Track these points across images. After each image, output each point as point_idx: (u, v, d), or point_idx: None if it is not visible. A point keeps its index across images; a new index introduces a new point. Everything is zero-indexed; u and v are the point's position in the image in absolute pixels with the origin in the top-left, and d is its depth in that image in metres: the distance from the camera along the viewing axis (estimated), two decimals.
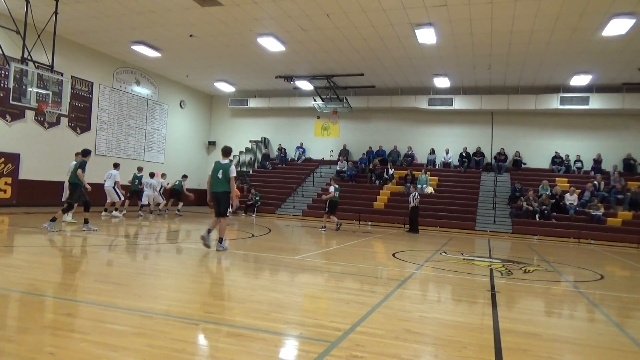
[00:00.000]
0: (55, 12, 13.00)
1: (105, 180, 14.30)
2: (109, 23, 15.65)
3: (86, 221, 10.09)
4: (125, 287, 5.09)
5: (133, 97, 21.18)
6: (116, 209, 14.52)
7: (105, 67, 19.55)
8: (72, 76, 17.53)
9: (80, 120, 18.52)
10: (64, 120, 17.65)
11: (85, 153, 10.56)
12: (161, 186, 17.75)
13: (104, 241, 9.11)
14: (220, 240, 8.27)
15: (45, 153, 16.78)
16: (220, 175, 8.43)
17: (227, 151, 8.85)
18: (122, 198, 14.62)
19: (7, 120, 15.71)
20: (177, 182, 18.35)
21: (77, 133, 18.37)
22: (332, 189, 14.52)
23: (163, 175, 18.72)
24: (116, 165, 14.67)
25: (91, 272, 6.11)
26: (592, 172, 19.84)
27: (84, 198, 10.03)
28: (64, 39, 16.71)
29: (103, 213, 14.33)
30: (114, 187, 14.12)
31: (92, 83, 18.98)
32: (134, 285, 5.25)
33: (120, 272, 6.07)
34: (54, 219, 9.55)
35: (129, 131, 21.06)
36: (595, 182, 18.77)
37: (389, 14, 13.50)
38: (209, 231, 8.24)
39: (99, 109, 19.36)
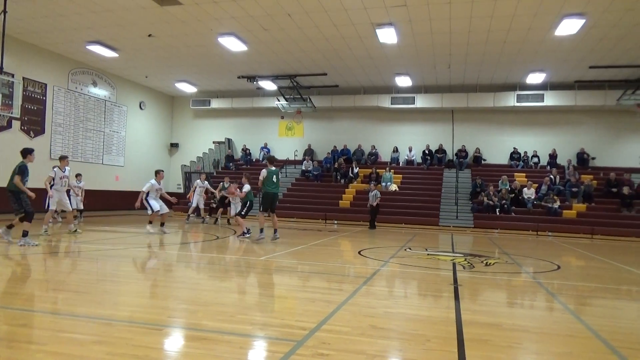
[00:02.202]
0: (4, 11, 12.45)
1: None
2: (63, 22, 15.11)
3: (25, 234, 8.55)
4: (84, 295, 4.92)
5: (90, 98, 20.53)
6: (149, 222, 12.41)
7: (60, 68, 18.87)
8: (23, 77, 16.84)
9: (34, 123, 17.81)
10: (16, 124, 16.93)
11: (25, 153, 8.95)
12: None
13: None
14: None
15: None
16: (275, 180, 10.75)
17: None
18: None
19: None
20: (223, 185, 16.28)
21: (31, 137, 17.66)
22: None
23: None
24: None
25: (49, 281, 5.89)
26: (548, 167, 20.62)
27: (28, 208, 8.61)
28: (14, 38, 16.03)
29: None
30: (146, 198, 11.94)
31: (46, 84, 18.29)
32: (94, 293, 5.09)
33: (80, 280, 5.87)
34: (10, 226, 9.00)
35: (87, 134, 20.41)
36: (551, 177, 19.51)
37: (350, 13, 13.60)
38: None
39: (53, 111, 18.67)
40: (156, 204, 11.86)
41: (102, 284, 5.65)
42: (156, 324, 3.92)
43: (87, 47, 17.48)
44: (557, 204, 17.97)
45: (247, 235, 11.12)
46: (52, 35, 16.41)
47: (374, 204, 16.34)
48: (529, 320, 4.70)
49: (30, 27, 15.62)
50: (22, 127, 17.31)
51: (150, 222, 11.96)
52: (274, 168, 10.97)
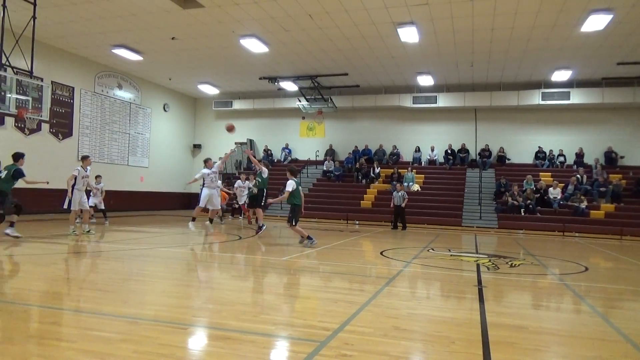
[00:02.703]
0: (34, 17, 12.78)
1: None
2: (89, 27, 15.46)
3: (12, 224, 9.34)
4: (111, 294, 5.03)
5: (115, 101, 20.95)
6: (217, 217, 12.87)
7: (86, 71, 19.31)
8: (52, 81, 17.28)
9: (62, 125, 18.27)
10: (45, 127, 17.38)
11: (17, 157, 9.54)
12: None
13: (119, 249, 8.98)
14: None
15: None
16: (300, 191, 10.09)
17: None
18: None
19: None
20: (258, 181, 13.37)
21: (59, 139, 18.12)
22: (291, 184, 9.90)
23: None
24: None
25: (76, 279, 6.03)
26: (575, 166, 20.16)
27: (5, 211, 9.22)
28: (43, 43, 16.46)
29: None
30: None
31: (73, 88, 18.73)
32: (121, 292, 5.19)
33: (107, 279, 6.00)
34: (12, 224, 9.43)
35: (112, 136, 20.83)
36: (578, 176, 19.07)
37: (371, 13, 13.55)
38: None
39: (80, 114, 19.11)
40: (205, 198, 11.57)
41: (128, 283, 5.76)
42: (181, 323, 3.98)
43: (113, 50, 17.85)
44: (584, 204, 17.57)
45: (314, 242, 9.93)
46: (79, 39, 16.80)
47: (402, 204, 16.12)
48: (556, 323, 4.61)
49: (58, 32, 16.02)
50: (51, 130, 17.77)
51: (194, 219, 11.55)
52: (296, 179, 10.03)
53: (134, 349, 3.22)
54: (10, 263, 7.08)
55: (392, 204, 16.43)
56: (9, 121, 16.02)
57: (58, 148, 17.65)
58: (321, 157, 23.89)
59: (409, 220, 16.78)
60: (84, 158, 11.32)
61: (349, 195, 20.80)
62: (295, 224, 9.83)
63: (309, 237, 9.90)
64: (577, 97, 19.99)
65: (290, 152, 24.67)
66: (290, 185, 9.65)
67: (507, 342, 3.71)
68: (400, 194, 16.13)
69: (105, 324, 3.87)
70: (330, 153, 23.56)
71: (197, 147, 26.41)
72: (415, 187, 20.42)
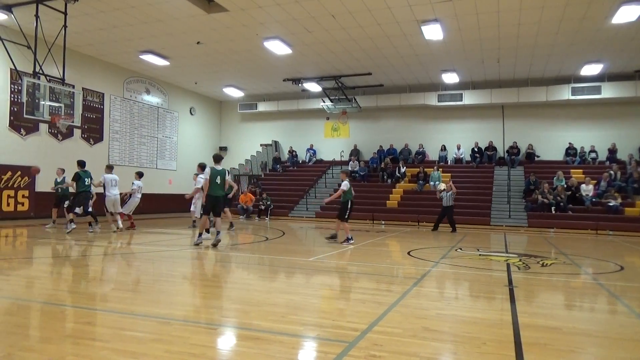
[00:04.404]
0: (65, 26, 13.18)
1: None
2: (117, 34, 15.84)
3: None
4: (143, 295, 5.13)
5: (144, 106, 21.40)
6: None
7: (116, 77, 19.78)
8: (83, 88, 17.75)
9: (93, 131, 18.76)
10: (77, 132, 17.88)
11: (82, 164, 12.18)
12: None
13: (123, 249, 9.19)
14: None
15: (60, 165, 16.97)
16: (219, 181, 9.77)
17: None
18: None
19: (22, 134, 15.97)
20: None
21: (91, 144, 18.60)
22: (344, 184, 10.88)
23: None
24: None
25: (109, 280, 6.18)
26: (608, 162, 19.56)
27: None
28: (73, 51, 16.94)
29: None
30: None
31: (103, 94, 19.22)
32: (152, 292, 5.29)
33: (138, 280, 6.13)
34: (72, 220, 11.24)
35: (141, 140, 21.28)
36: (611, 172, 18.49)
37: (394, 11, 13.46)
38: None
39: (110, 119, 19.59)
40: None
41: (159, 284, 5.87)
42: (211, 323, 4.04)
43: (140, 56, 18.23)
44: (618, 201, 17.02)
45: (351, 242, 10.49)
46: (108, 46, 17.23)
47: (451, 203, 15.58)
48: (591, 323, 4.48)
49: (88, 40, 16.47)
50: (83, 135, 18.27)
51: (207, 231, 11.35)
52: (220, 168, 9.92)
53: (166, 349, 3.28)
54: (47, 265, 7.31)
55: (444, 204, 15.59)
56: (43, 127, 16.55)
57: (90, 153, 18.10)
58: (346, 158, 23.84)
59: (434, 220, 16.48)
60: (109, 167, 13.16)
61: (375, 195, 20.70)
62: (346, 221, 10.75)
63: (348, 239, 10.58)
64: (608, 91, 19.40)
65: (315, 152, 24.72)
66: (345, 185, 10.71)
67: (540, 343, 3.63)
68: (449, 193, 15.51)
69: (138, 324, 3.96)
70: (355, 153, 23.50)
71: (223, 149, 26.72)
72: (442, 186, 20.13)
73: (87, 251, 8.92)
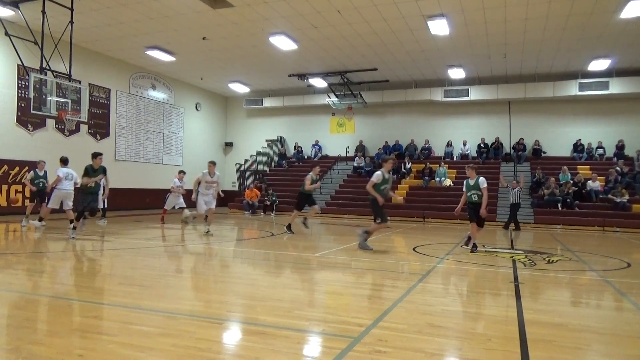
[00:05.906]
0: (71, 22, 13.22)
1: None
2: (123, 29, 15.87)
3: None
4: (149, 289, 5.17)
5: (150, 101, 21.45)
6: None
7: (122, 73, 19.84)
8: (89, 83, 17.83)
9: (100, 126, 18.84)
10: (84, 128, 17.97)
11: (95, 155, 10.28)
12: None
13: (127, 245, 9.25)
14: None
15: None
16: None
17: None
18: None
19: (29, 130, 16.08)
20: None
21: (97, 139, 18.69)
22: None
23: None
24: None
25: (116, 275, 6.22)
26: (615, 159, 19.42)
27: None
28: (80, 47, 16.99)
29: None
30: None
31: (109, 89, 19.29)
32: (158, 287, 5.33)
33: (144, 275, 6.17)
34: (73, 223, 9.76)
35: (147, 135, 21.35)
36: (619, 168, 18.36)
37: (400, 7, 13.40)
38: None
39: (117, 114, 19.66)
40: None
41: (165, 279, 5.90)
42: (217, 317, 4.06)
43: (146, 52, 18.27)
44: (625, 198, 16.91)
45: (476, 250, 9.09)
46: (114, 42, 17.27)
47: (518, 201, 15.24)
48: (597, 320, 4.47)
49: (94, 35, 16.51)
50: (90, 131, 18.35)
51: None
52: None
53: (173, 343, 3.31)
54: (60, 260, 7.37)
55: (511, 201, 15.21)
56: (50, 123, 16.64)
57: (96, 148, 18.10)
58: (351, 153, 23.82)
59: (440, 216, 16.50)
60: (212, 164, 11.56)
61: None
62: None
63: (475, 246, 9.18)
64: (616, 86, 19.24)
65: (320, 148, 24.71)
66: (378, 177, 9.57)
67: (545, 339, 3.62)
68: (515, 190, 15.18)
69: (144, 318, 3.99)
70: (361, 149, 23.47)
71: (228, 145, 26.78)
72: (448, 182, 20.11)
73: (96, 246, 8.98)
